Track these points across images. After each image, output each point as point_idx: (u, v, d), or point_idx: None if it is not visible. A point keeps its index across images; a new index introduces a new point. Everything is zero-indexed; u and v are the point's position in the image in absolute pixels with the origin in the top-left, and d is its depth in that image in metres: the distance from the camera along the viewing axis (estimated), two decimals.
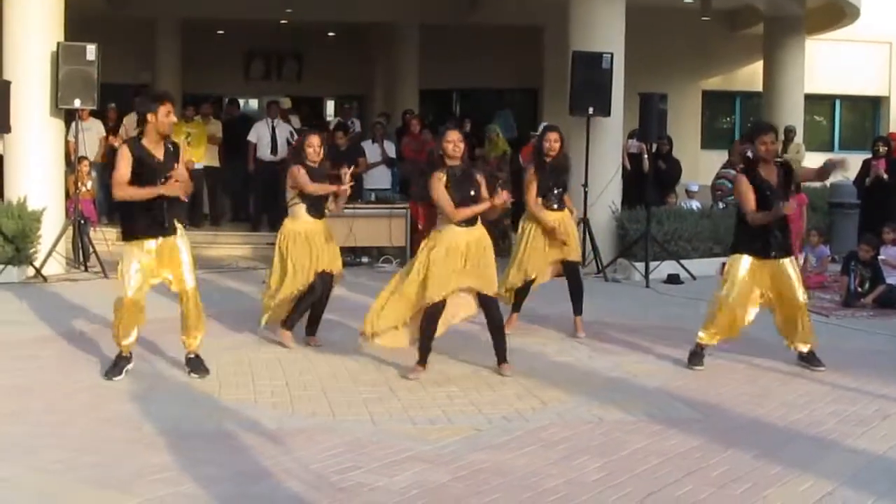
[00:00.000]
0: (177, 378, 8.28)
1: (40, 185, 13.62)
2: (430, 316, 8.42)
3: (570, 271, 10.28)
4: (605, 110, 14.51)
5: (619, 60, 14.77)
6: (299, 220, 9.43)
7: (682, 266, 14.22)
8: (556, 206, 10.05)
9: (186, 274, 8.22)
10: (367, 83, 26.35)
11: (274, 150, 17.30)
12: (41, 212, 13.44)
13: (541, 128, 11.76)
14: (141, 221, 8.07)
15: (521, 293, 10.32)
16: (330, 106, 28.13)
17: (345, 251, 15.25)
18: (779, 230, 8.78)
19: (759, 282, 8.89)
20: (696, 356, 8.98)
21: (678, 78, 23.03)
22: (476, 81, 24.71)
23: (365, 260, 15.17)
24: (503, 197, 8.39)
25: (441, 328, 8.63)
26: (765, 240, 8.76)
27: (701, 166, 21.50)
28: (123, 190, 7.94)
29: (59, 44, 13.53)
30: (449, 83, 25.31)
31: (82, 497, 5.59)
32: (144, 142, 8.04)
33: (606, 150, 14.92)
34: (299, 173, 9.30)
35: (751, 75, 23.93)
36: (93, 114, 16.03)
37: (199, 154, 17.42)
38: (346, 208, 14.97)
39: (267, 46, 25.84)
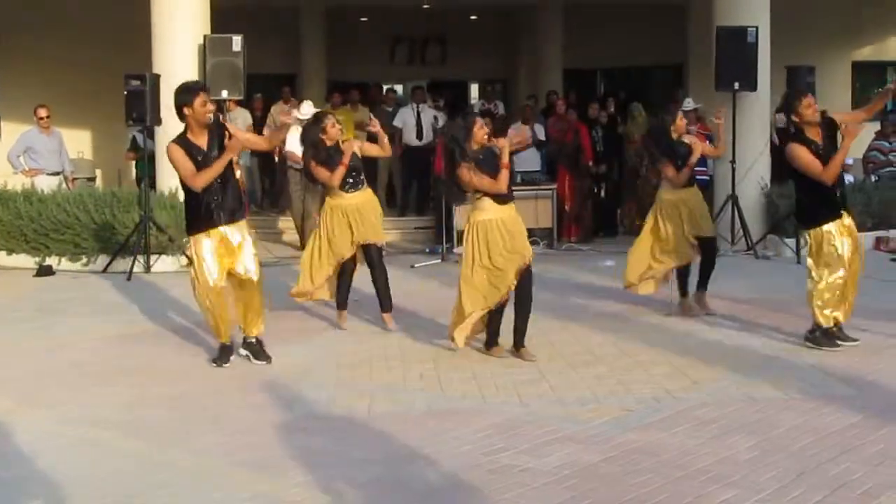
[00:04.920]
0: (327, 363, 8.41)
1: None
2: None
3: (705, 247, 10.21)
4: (751, 85, 14.30)
5: (764, 33, 14.49)
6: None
7: None
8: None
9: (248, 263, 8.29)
10: (511, 65, 26.31)
11: (419, 135, 17.36)
12: None
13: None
14: (200, 215, 8.17)
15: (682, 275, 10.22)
16: (474, 89, 28.13)
17: None
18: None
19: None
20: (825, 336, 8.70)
21: (827, 49, 22.41)
22: (620, 60, 24.48)
23: None
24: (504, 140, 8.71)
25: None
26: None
27: None
28: (199, 178, 7.98)
29: (205, 36, 13.80)
30: (592, 63, 25.15)
31: (239, 480, 5.70)
32: (188, 136, 8.16)
33: (754, 125, 14.72)
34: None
35: None
36: (239, 104, 16.30)
37: None
38: None
39: (411, 31, 25.87)
